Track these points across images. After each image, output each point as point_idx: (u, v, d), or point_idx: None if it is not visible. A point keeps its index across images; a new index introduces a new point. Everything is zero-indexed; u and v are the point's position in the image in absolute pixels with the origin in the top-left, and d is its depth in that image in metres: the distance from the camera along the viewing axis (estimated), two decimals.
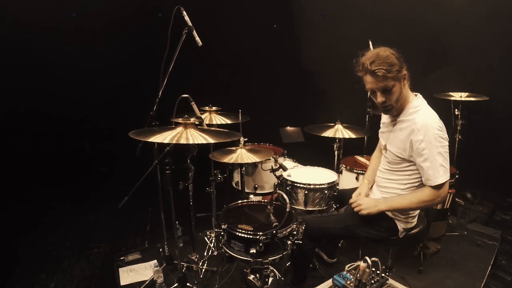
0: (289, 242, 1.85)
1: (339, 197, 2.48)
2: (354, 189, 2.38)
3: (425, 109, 1.77)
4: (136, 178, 1.78)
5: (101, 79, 3.57)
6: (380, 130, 2.07)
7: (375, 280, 1.45)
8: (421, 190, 1.76)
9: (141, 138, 1.66)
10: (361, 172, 2.71)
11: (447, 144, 1.71)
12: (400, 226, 1.90)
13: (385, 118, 2.00)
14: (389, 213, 1.90)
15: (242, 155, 2.37)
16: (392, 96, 1.72)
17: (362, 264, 1.41)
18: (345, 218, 2.04)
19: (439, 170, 1.67)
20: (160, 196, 2.46)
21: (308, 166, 2.81)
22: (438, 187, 1.69)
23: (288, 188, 2.48)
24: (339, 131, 2.79)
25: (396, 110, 1.80)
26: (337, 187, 2.50)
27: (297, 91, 4.50)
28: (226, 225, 1.87)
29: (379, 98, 1.74)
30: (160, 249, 2.79)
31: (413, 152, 1.73)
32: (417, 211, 1.95)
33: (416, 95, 1.85)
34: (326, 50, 4.21)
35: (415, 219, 1.96)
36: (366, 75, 1.72)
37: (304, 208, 2.43)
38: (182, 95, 1.90)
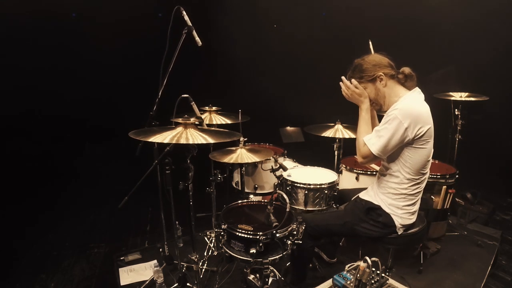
0: (289, 242, 1.85)
1: (339, 197, 2.48)
2: (354, 189, 2.39)
3: (409, 99, 1.83)
4: (136, 178, 1.78)
5: (100, 79, 3.57)
6: None
7: (375, 280, 1.45)
8: (363, 137, 1.89)
9: (141, 138, 1.66)
10: (361, 172, 2.71)
11: (401, 130, 1.73)
12: (397, 221, 1.91)
13: None
14: (386, 209, 1.92)
15: (242, 155, 2.38)
16: (368, 94, 1.95)
17: (362, 264, 1.41)
18: (344, 215, 2.06)
19: (373, 135, 1.84)
20: (160, 196, 2.46)
21: (308, 166, 2.81)
22: (366, 148, 1.84)
23: (288, 188, 2.48)
24: (339, 131, 2.79)
25: (380, 106, 1.98)
26: (337, 187, 2.50)
27: (297, 91, 4.49)
28: (226, 225, 1.87)
29: None
30: (160, 249, 2.79)
31: None
32: (415, 208, 1.95)
33: (414, 90, 1.89)
34: (326, 50, 4.21)
35: (414, 216, 1.96)
36: None
37: (304, 208, 2.43)
38: (182, 95, 1.90)
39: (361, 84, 1.94)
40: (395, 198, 1.90)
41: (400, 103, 1.82)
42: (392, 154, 1.84)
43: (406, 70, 1.92)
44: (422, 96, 1.89)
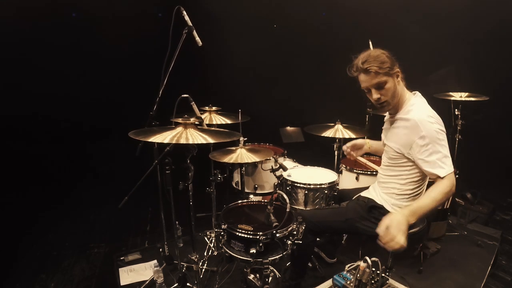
0: (289, 242, 1.86)
1: (339, 197, 2.48)
2: (354, 189, 2.39)
3: (420, 106, 1.82)
4: (136, 178, 1.78)
5: (100, 79, 3.57)
6: (383, 126, 2.12)
7: (375, 280, 1.45)
8: (437, 184, 1.68)
9: (141, 138, 1.66)
10: (361, 172, 2.71)
11: (445, 136, 1.75)
12: None
13: (387, 116, 2.05)
14: (389, 208, 1.92)
15: (242, 154, 2.38)
16: (387, 92, 1.78)
17: (362, 264, 1.41)
18: (346, 211, 2.06)
19: (446, 161, 1.69)
20: (160, 196, 2.46)
21: (308, 166, 2.81)
22: (449, 177, 1.68)
23: (288, 188, 2.48)
24: (339, 131, 2.79)
25: (392, 107, 1.86)
26: (337, 187, 2.50)
27: (297, 91, 4.50)
28: (226, 225, 1.87)
29: (374, 95, 1.81)
30: (160, 249, 2.79)
31: (414, 150, 1.75)
32: None
33: (414, 93, 1.90)
34: (327, 49, 4.21)
35: None
36: (360, 74, 1.81)
37: (304, 208, 2.43)
38: (182, 95, 1.90)
39: (379, 77, 1.75)
40: (398, 198, 1.91)
41: (417, 114, 1.74)
42: (401, 156, 1.84)
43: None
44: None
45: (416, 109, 1.79)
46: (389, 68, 1.74)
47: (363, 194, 2.14)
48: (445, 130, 1.74)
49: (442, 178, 1.67)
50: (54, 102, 3.47)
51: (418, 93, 1.90)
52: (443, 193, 1.66)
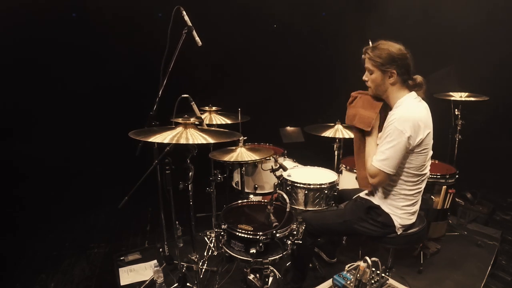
0: (289, 242, 1.86)
1: (339, 197, 2.48)
2: (354, 189, 2.39)
3: (405, 106, 1.83)
4: (136, 178, 1.78)
5: (101, 79, 3.57)
6: None
7: (375, 280, 1.45)
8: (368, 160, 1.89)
9: (141, 138, 1.66)
10: None
11: (404, 140, 1.73)
12: (397, 221, 1.91)
13: None
14: (386, 208, 1.92)
15: (242, 153, 2.38)
16: (372, 80, 1.91)
17: (362, 264, 1.41)
18: (344, 213, 2.07)
19: (378, 154, 1.83)
20: (160, 196, 2.46)
21: (308, 166, 2.81)
22: (371, 167, 1.84)
23: (288, 188, 2.48)
24: (339, 131, 2.79)
25: (375, 95, 1.96)
26: (337, 187, 2.50)
27: (297, 91, 4.50)
28: (226, 225, 1.87)
29: (364, 76, 1.96)
30: (160, 249, 2.79)
31: None
32: (415, 208, 1.95)
33: (409, 95, 1.87)
34: (327, 50, 4.21)
35: (413, 217, 1.96)
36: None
37: (304, 208, 2.43)
38: (182, 95, 1.90)
39: (372, 66, 1.87)
40: (394, 199, 1.91)
41: (397, 112, 1.80)
42: None
43: (419, 78, 1.88)
44: (418, 99, 1.86)
45: (399, 109, 1.83)
46: (380, 64, 1.83)
47: (361, 194, 2.14)
48: (408, 135, 1.72)
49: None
50: (53, 102, 3.48)
51: (412, 93, 1.87)
52: (367, 158, 1.92)
